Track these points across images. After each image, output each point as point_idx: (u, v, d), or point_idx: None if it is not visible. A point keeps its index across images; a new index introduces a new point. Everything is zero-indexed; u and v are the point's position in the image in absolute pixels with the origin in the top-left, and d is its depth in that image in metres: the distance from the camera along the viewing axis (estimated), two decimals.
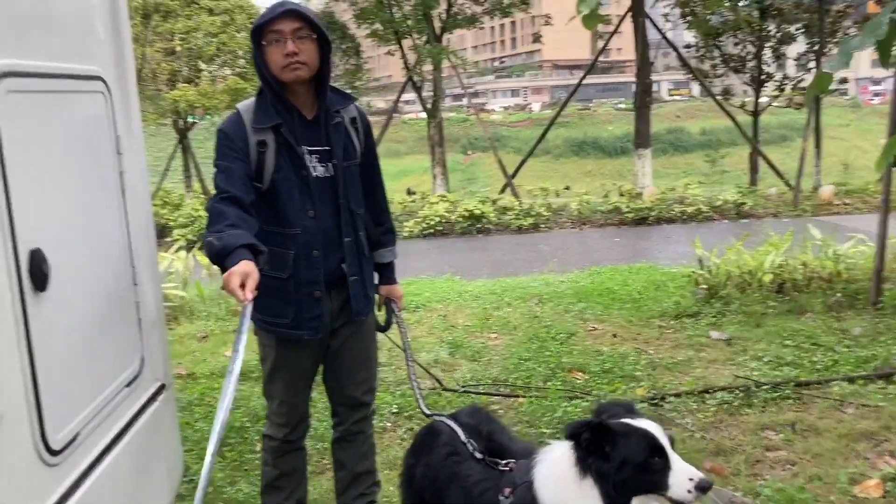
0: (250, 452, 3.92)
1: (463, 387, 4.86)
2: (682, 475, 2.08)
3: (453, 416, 2.75)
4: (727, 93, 20.19)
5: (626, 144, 45.30)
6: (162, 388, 2.64)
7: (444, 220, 15.46)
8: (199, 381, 5.13)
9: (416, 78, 17.72)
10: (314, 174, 2.84)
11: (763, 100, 20.09)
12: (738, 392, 4.52)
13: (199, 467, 3.63)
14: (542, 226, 15.74)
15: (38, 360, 1.80)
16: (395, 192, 19.51)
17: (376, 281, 3.22)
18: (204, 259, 7.81)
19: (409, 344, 3.22)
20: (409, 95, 21.69)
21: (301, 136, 2.82)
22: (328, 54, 2.83)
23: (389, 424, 4.35)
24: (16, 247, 1.73)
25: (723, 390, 4.56)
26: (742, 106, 20.38)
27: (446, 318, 6.83)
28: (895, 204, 6.37)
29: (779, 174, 18.29)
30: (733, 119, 18.15)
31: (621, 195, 16.61)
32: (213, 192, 2.78)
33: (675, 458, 2.10)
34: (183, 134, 18.14)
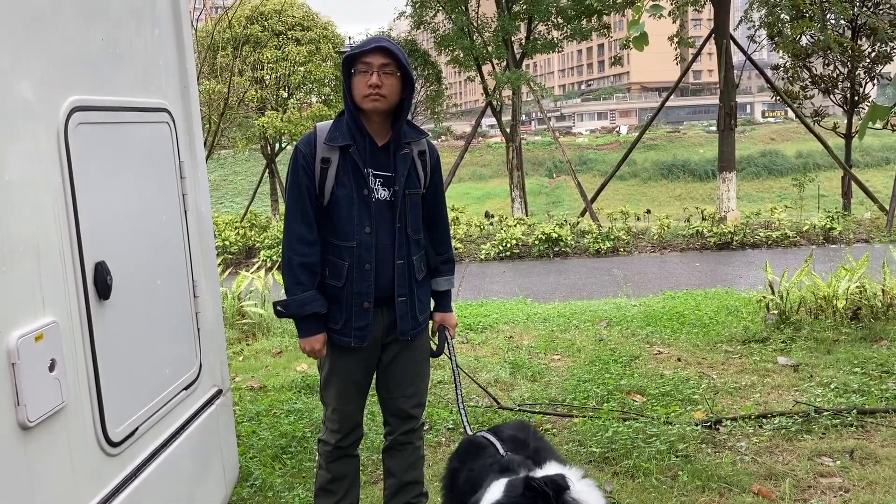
0: (309, 461, 4.12)
1: (519, 405, 4.95)
2: None
3: (495, 430, 2.88)
4: (818, 115, 19.62)
5: (710, 168, 44.32)
6: (219, 392, 2.86)
7: (520, 243, 15.55)
8: (269, 394, 5.39)
9: (495, 103, 17.93)
10: (375, 196, 3.05)
11: (856, 121, 19.42)
12: (797, 418, 4.46)
13: (261, 472, 3.89)
14: (622, 250, 15.62)
15: (100, 361, 2.03)
16: (476, 216, 19.74)
17: (432, 307, 3.39)
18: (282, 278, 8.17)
19: (457, 368, 3.36)
20: (493, 119, 21.92)
21: (369, 159, 3.04)
22: (410, 91, 3.06)
23: (444, 440, 4.48)
24: (82, 259, 1.98)
25: (781, 415, 4.50)
26: (835, 128, 19.75)
27: (511, 339, 6.93)
28: None
29: (872, 198, 17.61)
30: (823, 142, 17.60)
31: (704, 219, 16.34)
32: (285, 221, 3.08)
33: None
34: (271, 159, 18.90)
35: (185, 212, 2.63)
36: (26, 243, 1.79)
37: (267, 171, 19.11)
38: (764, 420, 4.49)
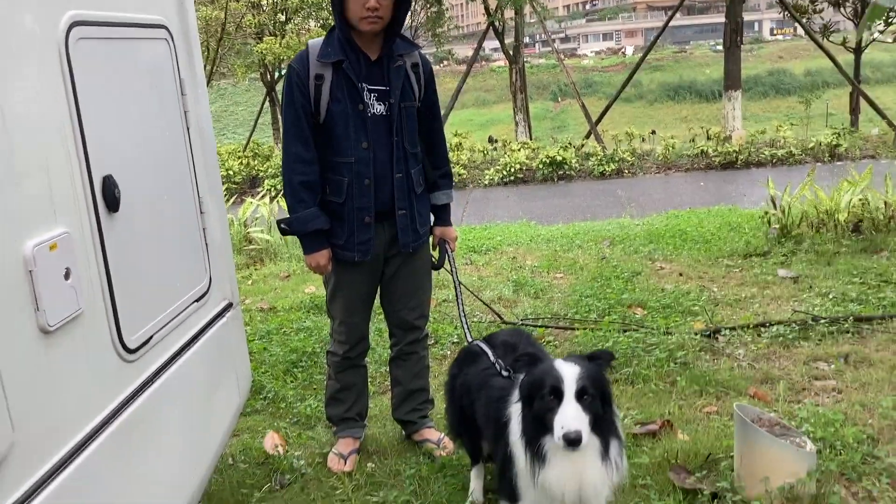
0: (319, 374, 4.26)
1: (522, 320, 5.07)
2: (560, 419, 2.15)
3: (489, 338, 2.99)
4: (827, 29, 19.20)
5: (718, 88, 43.55)
6: (229, 305, 2.95)
7: (524, 168, 15.52)
8: (279, 314, 5.52)
9: (497, 24, 17.61)
10: (371, 111, 3.07)
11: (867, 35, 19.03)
12: (794, 326, 4.56)
13: (273, 385, 4.02)
14: (626, 171, 15.60)
15: (113, 271, 2.11)
16: (479, 141, 19.61)
17: (432, 221, 3.45)
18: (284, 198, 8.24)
19: (458, 280, 3.43)
20: (496, 43, 21.52)
21: (362, 74, 3.05)
22: (406, 6, 3.04)
23: (449, 353, 4.61)
24: (90, 173, 2.03)
25: (779, 324, 4.61)
26: (844, 43, 19.36)
27: (515, 260, 7.02)
28: None
29: (881, 114, 17.40)
30: (832, 57, 17.30)
31: (709, 139, 16.23)
32: (283, 142, 3.11)
33: (566, 404, 2.17)
34: (271, 87, 18.68)
35: (188, 128, 2.66)
36: (35, 157, 1.84)
37: (267, 99, 18.91)
38: (762, 329, 4.59)
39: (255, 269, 7.28)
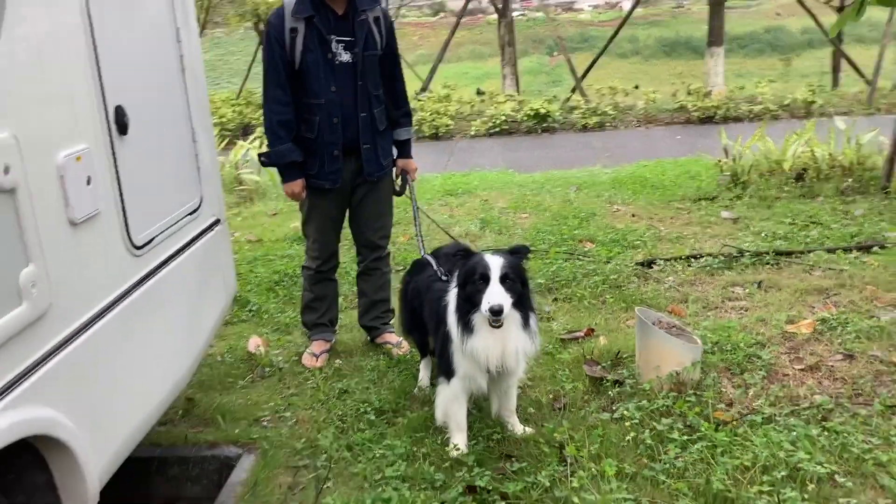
0: (297, 291, 4.84)
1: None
2: (488, 296, 2.76)
3: (435, 252, 3.56)
4: None
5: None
6: (217, 221, 3.50)
7: (510, 119, 15.93)
8: (265, 244, 6.10)
9: None
10: (339, 59, 3.60)
11: None
12: (721, 258, 5.14)
13: (258, 300, 4.60)
14: (608, 125, 16.02)
15: (123, 182, 2.65)
16: (467, 93, 19.92)
17: (395, 155, 4.00)
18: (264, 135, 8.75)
19: (416, 206, 3.97)
20: None
21: (331, 27, 3.57)
22: None
23: None
24: (105, 102, 2.55)
25: (708, 256, 5.18)
26: (828, 2, 19.62)
27: (486, 202, 7.56)
28: None
29: (860, 73, 17.77)
30: (813, 16, 17.61)
31: (689, 94, 16.63)
32: (263, 88, 3.64)
33: (492, 285, 2.78)
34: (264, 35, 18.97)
35: (183, 70, 3.18)
36: (64, 89, 2.37)
37: (261, 48, 19.19)
38: (692, 260, 5.17)
39: (245, 207, 7.82)
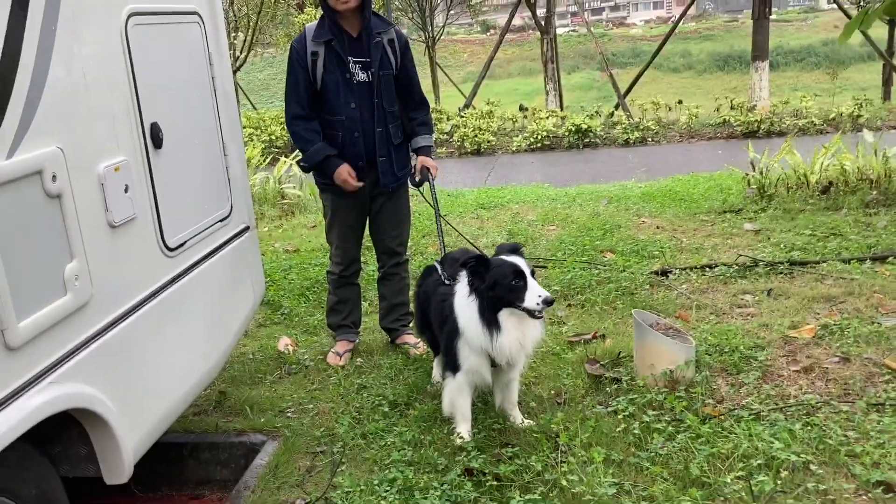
0: (326, 296, 5.15)
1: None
2: (533, 292, 3.02)
3: (442, 259, 3.79)
4: (861, 1, 19.27)
5: (776, 59, 43.05)
6: (247, 228, 3.83)
7: (551, 135, 16.15)
8: (301, 254, 6.45)
9: None
10: (356, 78, 3.91)
11: None
12: (736, 267, 5.29)
13: (290, 304, 4.92)
14: (650, 140, 16.12)
15: (157, 190, 2.98)
16: (509, 109, 20.21)
17: (415, 157, 4.22)
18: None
19: (437, 204, 4.19)
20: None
21: (348, 49, 3.89)
22: None
23: None
24: (142, 119, 2.90)
25: (723, 265, 5.33)
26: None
27: (517, 215, 7.80)
28: None
29: None
30: (863, 31, 17.41)
31: (732, 108, 16.63)
32: (285, 109, 3.96)
33: (531, 282, 3.03)
34: None
35: (215, 91, 3.53)
36: (106, 106, 2.71)
37: None
38: (708, 269, 5.33)
39: (287, 220, 8.20)
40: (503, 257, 3.15)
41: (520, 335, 3.14)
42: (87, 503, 3.07)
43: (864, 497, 2.74)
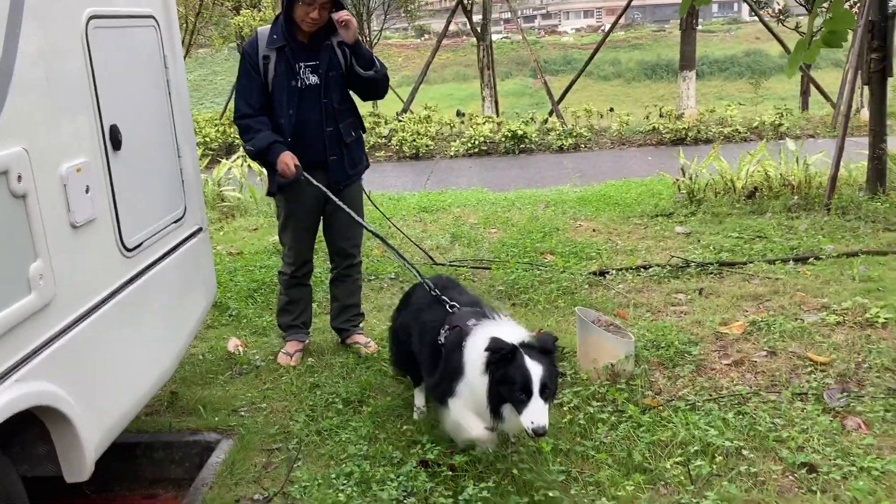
0: (274, 298, 5.20)
1: (450, 262, 6.03)
2: (529, 414, 2.68)
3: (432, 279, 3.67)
4: (783, 14, 20.14)
5: (702, 68, 44.49)
6: (200, 230, 3.87)
7: (488, 141, 16.41)
8: (245, 256, 6.46)
9: (465, 1, 18.40)
10: (306, 82, 4.00)
11: (819, 21, 19.97)
12: (669, 268, 5.55)
13: (238, 305, 4.95)
14: (583, 146, 16.53)
15: (116, 191, 3.01)
16: (446, 114, 20.42)
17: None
18: (257, 167, 9.12)
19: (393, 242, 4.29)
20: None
21: (299, 55, 3.98)
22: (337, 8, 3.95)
23: (386, 285, 5.58)
24: (102, 122, 2.93)
25: (657, 266, 5.59)
26: (797, 28, 20.33)
27: (459, 218, 7.95)
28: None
29: (826, 97, 18.43)
30: (781, 42, 18.29)
31: (661, 116, 17.19)
32: (234, 108, 4.02)
33: (534, 401, 2.69)
34: None
35: (170, 93, 3.56)
36: (68, 107, 2.74)
37: None
38: (643, 270, 5.58)
39: (227, 223, 8.17)
40: (528, 359, 2.77)
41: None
42: None
43: (791, 477, 2.97)
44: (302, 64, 3.99)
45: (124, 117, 3.09)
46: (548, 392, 2.74)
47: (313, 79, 4.02)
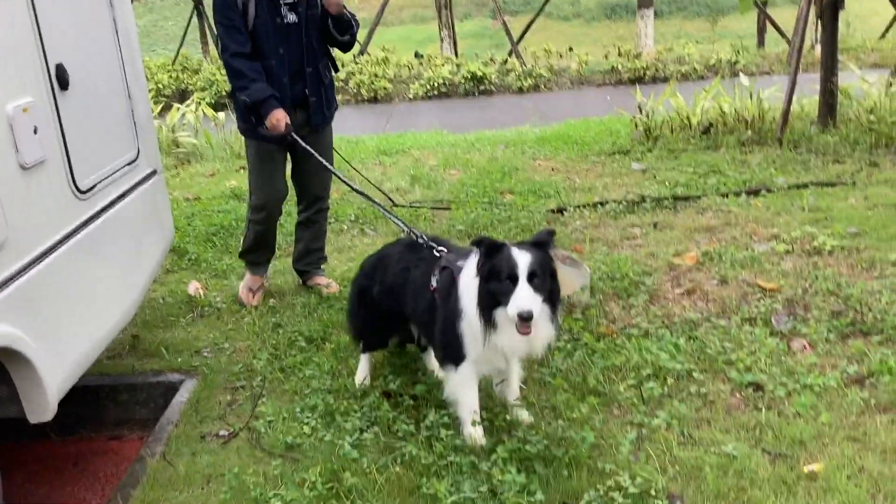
0: (234, 242, 5.20)
1: (410, 203, 6.05)
2: (515, 301, 2.53)
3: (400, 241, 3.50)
4: None
5: (661, 7, 44.30)
6: (154, 172, 3.83)
7: (447, 82, 16.27)
8: (203, 202, 6.41)
9: None
10: (287, 20, 3.94)
11: None
12: (625, 203, 5.64)
13: (197, 249, 4.93)
14: (543, 86, 16.49)
15: (66, 132, 2.97)
16: (405, 56, 20.17)
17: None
18: (211, 112, 8.97)
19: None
20: None
21: None
22: None
23: (346, 227, 5.60)
24: (46, 59, 2.86)
25: (614, 202, 5.68)
26: None
27: (418, 161, 7.94)
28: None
29: (782, 33, 18.55)
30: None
31: (620, 55, 17.18)
32: (221, 48, 3.92)
33: (521, 285, 2.55)
34: (199, 1, 18.84)
35: (117, 32, 3.49)
36: (11, 46, 2.68)
37: (195, 14, 19.08)
38: (600, 206, 5.66)
39: (183, 169, 8.06)
40: (511, 248, 2.66)
41: (521, 336, 2.62)
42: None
43: (738, 396, 3.11)
44: (282, 1, 3.94)
45: (71, 56, 3.03)
46: (537, 281, 2.59)
47: (292, 17, 3.97)
